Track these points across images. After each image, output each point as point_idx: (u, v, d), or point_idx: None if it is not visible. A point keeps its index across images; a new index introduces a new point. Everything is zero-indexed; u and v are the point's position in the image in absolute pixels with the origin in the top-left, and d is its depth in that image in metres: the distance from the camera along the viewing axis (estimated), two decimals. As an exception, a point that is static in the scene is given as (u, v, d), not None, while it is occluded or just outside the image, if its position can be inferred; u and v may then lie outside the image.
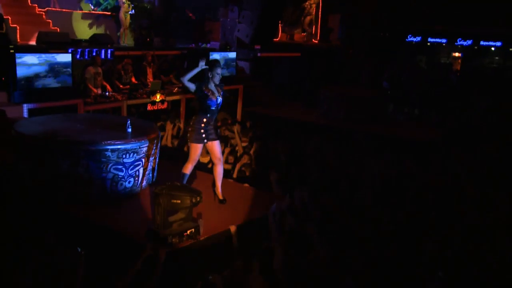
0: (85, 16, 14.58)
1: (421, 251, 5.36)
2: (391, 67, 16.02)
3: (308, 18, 19.33)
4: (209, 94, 5.94)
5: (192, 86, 5.90)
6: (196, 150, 6.09)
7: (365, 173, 7.90)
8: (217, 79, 6.00)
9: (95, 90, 10.31)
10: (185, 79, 5.83)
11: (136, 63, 12.29)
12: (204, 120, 6.01)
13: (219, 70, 6.00)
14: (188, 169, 6.17)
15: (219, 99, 6.04)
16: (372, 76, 16.89)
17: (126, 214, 5.95)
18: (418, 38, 23.89)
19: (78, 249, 4.48)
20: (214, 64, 6.00)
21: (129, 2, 14.96)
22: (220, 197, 6.38)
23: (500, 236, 5.81)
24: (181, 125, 9.78)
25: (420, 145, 10.70)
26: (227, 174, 7.68)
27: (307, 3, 19.27)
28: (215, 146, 6.16)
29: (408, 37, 23.90)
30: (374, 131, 11.34)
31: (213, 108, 6.01)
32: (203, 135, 6.02)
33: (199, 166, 6.97)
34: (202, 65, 5.92)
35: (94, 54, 11.24)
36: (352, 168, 8.23)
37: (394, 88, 15.01)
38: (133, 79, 11.52)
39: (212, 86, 6.00)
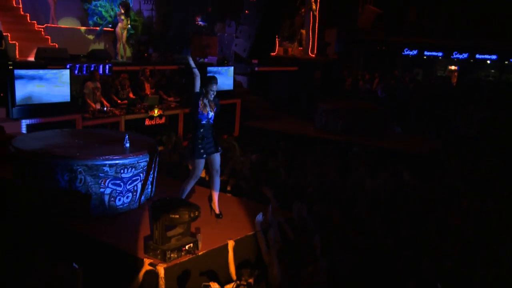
0: (84, 32, 14.67)
1: (419, 264, 5.36)
2: (387, 78, 16.14)
3: (303, 31, 19.47)
4: (200, 106, 5.95)
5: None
6: (198, 165, 6.09)
7: (363, 186, 7.92)
8: (210, 95, 5.99)
9: (93, 105, 10.35)
10: (196, 88, 5.93)
11: (134, 78, 12.36)
12: (200, 136, 6.02)
13: (214, 87, 5.97)
14: (189, 184, 6.17)
15: (210, 114, 6.02)
16: (369, 90, 16.97)
17: (124, 229, 5.93)
18: (415, 52, 24.07)
19: (75, 265, 4.47)
20: (209, 80, 5.99)
21: (127, 19, 15.06)
22: (217, 211, 6.35)
23: (498, 248, 5.82)
24: (180, 140, 9.81)
25: (418, 157, 10.73)
26: (224, 187, 7.69)
27: (299, 15, 19.41)
28: (215, 159, 6.16)
29: (405, 50, 24.08)
30: (372, 144, 11.36)
31: (204, 122, 6.00)
32: (201, 151, 6.03)
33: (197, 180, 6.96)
34: (193, 65, 5.95)
35: (92, 69, 11.31)
36: (351, 180, 8.24)
37: (389, 100, 15.09)
38: (131, 95, 11.57)
39: (205, 100, 6.00)
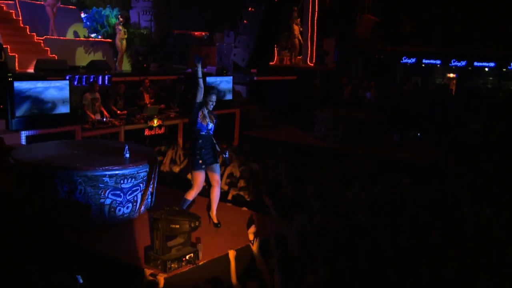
0: (82, 43, 14.74)
1: (421, 273, 5.35)
2: (384, 86, 16.17)
3: (296, 40, 19.58)
4: (200, 117, 5.96)
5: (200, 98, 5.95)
6: (198, 177, 6.10)
7: (364, 195, 7.92)
8: (210, 106, 6.01)
9: (92, 116, 10.36)
10: (198, 99, 5.93)
11: (132, 89, 12.39)
12: (198, 147, 6.03)
13: (213, 98, 6.00)
14: (191, 195, 6.18)
15: (210, 125, 6.03)
16: (368, 98, 17.00)
17: (124, 239, 5.92)
18: (413, 60, 24.13)
19: (79, 278, 4.46)
20: (208, 91, 6.00)
21: (125, 29, 15.14)
22: (215, 220, 6.34)
23: (500, 255, 5.80)
24: (180, 150, 9.81)
25: (418, 165, 10.72)
26: (225, 197, 7.68)
27: (293, 25, 19.52)
28: (214, 170, 6.17)
29: (403, 58, 24.15)
30: (371, 153, 11.36)
31: (203, 133, 6.02)
32: (200, 161, 6.04)
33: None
34: (200, 75, 5.96)
35: (91, 80, 11.35)
36: (351, 190, 8.24)
37: (386, 108, 15.13)
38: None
39: (205, 111, 6.02)
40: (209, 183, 6.33)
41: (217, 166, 6.19)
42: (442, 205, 7.59)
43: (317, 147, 12.11)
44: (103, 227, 6.17)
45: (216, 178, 6.20)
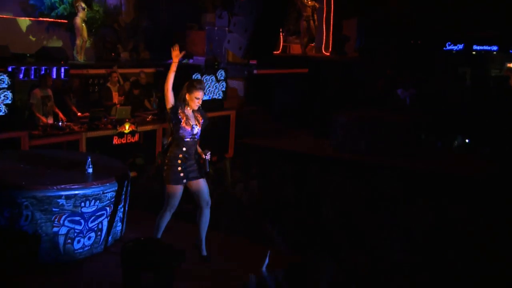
0: (32, 25, 14.66)
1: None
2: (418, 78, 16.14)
3: (305, 23, 19.55)
4: (182, 120, 5.96)
5: (172, 101, 5.95)
6: (174, 193, 6.09)
7: (396, 221, 7.85)
8: (195, 104, 6.04)
9: (44, 119, 10.29)
10: (169, 86, 5.93)
11: (97, 84, 12.35)
12: (180, 155, 6.04)
13: (199, 94, 6.01)
14: (164, 217, 6.19)
15: (196, 129, 6.07)
16: (400, 96, 16.96)
17: (84, 281, 5.87)
18: (460, 46, 24.09)
19: None
20: (193, 85, 6.03)
21: (87, 7, 15.10)
22: (203, 252, 6.36)
23: None
24: (159, 162, 9.76)
25: (466, 183, 10.65)
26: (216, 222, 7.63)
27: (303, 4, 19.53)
28: (200, 186, 6.17)
29: (447, 45, 24.12)
30: (406, 166, 11.31)
31: (188, 139, 6.05)
32: (181, 174, 6.05)
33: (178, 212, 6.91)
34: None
35: (42, 72, 11.29)
36: (380, 214, 8.16)
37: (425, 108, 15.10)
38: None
39: (188, 111, 6.04)
40: (197, 206, 6.30)
41: (204, 183, 6.20)
42: (496, 234, 7.53)
43: (335, 159, 12.11)
44: (57, 264, 6.10)
45: (204, 197, 6.21)
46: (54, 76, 11.67)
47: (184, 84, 6.12)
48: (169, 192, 6.11)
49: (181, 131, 6.00)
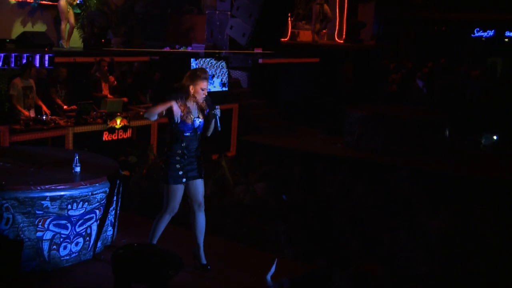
0: (12, 7, 14.67)
1: None
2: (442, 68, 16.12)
3: (318, 7, 19.49)
4: (183, 114, 5.98)
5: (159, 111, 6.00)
6: (174, 194, 6.10)
7: (415, 228, 7.86)
8: (200, 96, 6.03)
9: (25, 113, 10.33)
10: (151, 117, 5.98)
11: (84, 74, 12.35)
12: (179, 151, 6.04)
13: (204, 84, 6.02)
14: (162, 222, 6.19)
15: (197, 123, 6.07)
16: (422, 89, 16.98)
17: (71, 290, 5.86)
18: (490, 33, 24.00)
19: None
20: (196, 75, 6.03)
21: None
22: (202, 260, 6.37)
23: None
24: (157, 160, 9.81)
25: (493, 186, 10.64)
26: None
27: None
28: (197, 187, 6.19)
29: (475, 31, 24.04)
30: (427, 168, 11.33)
31: (188, 134, 6.05)
32: (180, 173, 6.05)
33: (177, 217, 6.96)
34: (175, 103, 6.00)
35: (24, 61, 11.32)
36: (397, 220, 8.18)
37: (434, 93, 15.08)
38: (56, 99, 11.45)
39: (191, 103, 6.05)
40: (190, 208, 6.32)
41: (201, 183, 6.23)
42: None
43: (348, 158, 12.08)
44: (41, 272, 6.10)
45: (199, 199, 6.23)
46: (38, 65, 11.70)
47: (185, 74, 6.13)
48: (168, 193, 6.11)
49: (180, 125, 6.01)
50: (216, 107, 6.10)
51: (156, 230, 6.20)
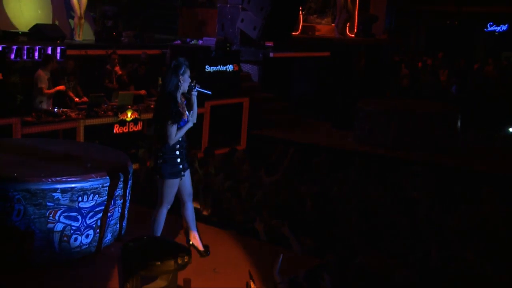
0: None
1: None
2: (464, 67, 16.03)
3: (342, 1, 19.43)
4: (181, 110, 6.06)
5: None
6: (172, 188, 6.19)
7: (430, 224, 7.84)
8: (185, 86, 6.04)
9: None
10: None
11: (95, 67, 12.37)
12: (177, 146, 6.10)
13: (188, 71, 6.04)
14: (161, 216, 6.25)
15: (186, 114, 6.12)
16: (435, 83, 16.92)
17: (81, 282, 5.90)
18: (504, 27, 23.87)
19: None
20: (180, 65, 6.02)
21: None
22: (200, 247, 6.49)
23: None
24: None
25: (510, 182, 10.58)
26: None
27: None
28: (188, 178, 6.35)
29: (488, 25, 23.91)
30: (440, 163, 11.28)
31: (181, 126, 6.10)
32: (180, 166, 6.15)
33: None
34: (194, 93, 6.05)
35: (36, 53, 11.33)
36: (408, 215, 8.18)
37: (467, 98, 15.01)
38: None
39: (179, 98, 6.08)
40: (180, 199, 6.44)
41: (189, 174, 6.37)
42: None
43: (359, 153, 12.09)
44: (52, 263, 6.14)
45: (188, 189, 6.39)
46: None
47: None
48: (167, 187, 6.16)
49: (181, 122, 6.08)
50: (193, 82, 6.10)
51: (157, 225, 6.26)
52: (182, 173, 6.17)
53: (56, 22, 14.66)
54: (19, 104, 10.33)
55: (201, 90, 6.11)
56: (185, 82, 6.02)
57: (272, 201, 8.59)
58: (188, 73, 6.03)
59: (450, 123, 12.97)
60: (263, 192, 8.89)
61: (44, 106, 10.39)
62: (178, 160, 6.10)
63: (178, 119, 5.96)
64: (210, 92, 6.24)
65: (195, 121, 6.21)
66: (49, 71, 10.64)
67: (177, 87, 6.01)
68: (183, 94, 6.10)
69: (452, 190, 9.61)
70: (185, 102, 6.13)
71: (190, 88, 6.06)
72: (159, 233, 6.25)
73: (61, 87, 10.61)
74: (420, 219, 8.05)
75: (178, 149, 6.09)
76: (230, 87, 13.40)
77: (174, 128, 5.92)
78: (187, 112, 6.10)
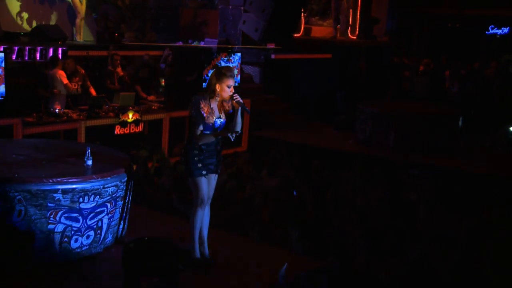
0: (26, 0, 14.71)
1: None
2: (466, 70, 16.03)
3: (345, 3, 19.44)
4: (205, 114, 6.02)
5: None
6: (199, 185, 6.18)
7: (430, 229, 7.83)
8: (227, 94, 6.07)
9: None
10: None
11: (98, 68, 12.38)
12: (198, 147, 6.10)
13: (230, 82, 6.06)
14: (197, 216, 6.26)
15: (218, 123, 6.11)
16: (436, 86, 16.91)
17: (82, 282, 5.89)
18: (505, 30, 23.87)
19: None
20: (221, 73, 6.09)
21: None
22: (205, 254, 6.43)
23: None
24: (164, 155, 9.83)
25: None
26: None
27: None
28: (212, 182, 6.31)
29: (490, 28, 23.90)
30: (441, 165, 11.28)
31: (207, 133, 6.10)
32: (199, 165, 6.14)
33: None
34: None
35: (38, 54, 11.34)
36: (408, 218, 8.16)
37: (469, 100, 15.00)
38: (92, 91, 11.56)
39: (214, 103, 6.10)
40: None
41: (215, 179, 6.34)
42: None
43: (360, 155, 12.05)
44: (52, 265, 6.13)
45: (210, 194, 6.36)
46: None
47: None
48: (194, 185, 6.20)
49: (201, 125, 6.06)
50: (234, 95, 6.09)
51: (195, 226, 6.26)
52: (204, 172, 6.15)
53: (58, 23, 14.66)
54: (20, 104, 10.34)
55: (240, 101, 6.03)
56: (223, 91, 6.04)
57: (273, 203, 8.59)
58: (227, 83, 6.03)
59: (451, 125, 12.96)
60: (264, 193, 8.90)
61: (58, 105, 10.45)
62: (196, 158, 6.10)
63: (197, 121, 6.00)
64: (249, 111, 6.23)
65: (237, 132, 6.13)
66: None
67: (211, 92, 6.06)
68: (224, 102, 6.12)
69: (452, 192, 9.62)
70: (230, 112, 6.15)
71: (232, 99, 6.09)
72: (197, 233, 6.27)
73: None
74: (420, 221, 8.05)
75: (198, 149, 6.09)
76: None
77: (194, 127, 6.03)
78: (216, 120, 6.08)
